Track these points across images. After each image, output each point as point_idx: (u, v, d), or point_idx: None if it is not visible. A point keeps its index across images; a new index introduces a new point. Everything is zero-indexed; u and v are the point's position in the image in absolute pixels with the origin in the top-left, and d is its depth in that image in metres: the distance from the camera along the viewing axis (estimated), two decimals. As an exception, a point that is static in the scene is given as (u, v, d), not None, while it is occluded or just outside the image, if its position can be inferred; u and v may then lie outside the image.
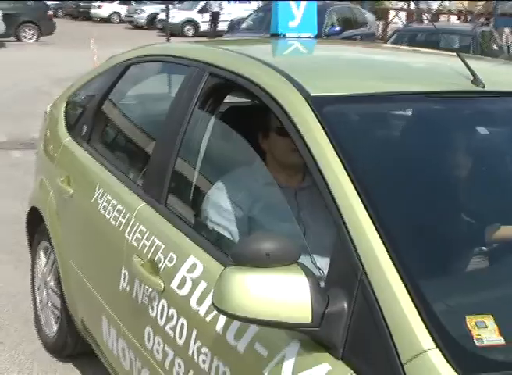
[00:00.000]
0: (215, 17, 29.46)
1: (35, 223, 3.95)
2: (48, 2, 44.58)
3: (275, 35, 3.33)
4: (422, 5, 26.35)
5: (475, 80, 2.36)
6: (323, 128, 2.03)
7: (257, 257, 1.72)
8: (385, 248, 1.72)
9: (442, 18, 25.96)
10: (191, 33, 32.14)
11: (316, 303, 1.70)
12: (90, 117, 3.49)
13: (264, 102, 2.28)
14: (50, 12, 28.55)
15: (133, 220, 2.69)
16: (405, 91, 2.31)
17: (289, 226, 2.35)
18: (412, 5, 27.32)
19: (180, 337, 2.25)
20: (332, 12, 16.12)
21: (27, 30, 26.74)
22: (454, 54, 2.53)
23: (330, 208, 1.87)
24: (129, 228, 2.69)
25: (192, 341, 2.19)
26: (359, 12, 18.46)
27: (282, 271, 1.72)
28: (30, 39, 26.46)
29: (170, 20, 28.29)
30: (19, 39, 26.25)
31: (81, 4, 48.55)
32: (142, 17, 39.08)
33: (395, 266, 1.69)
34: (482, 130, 2.47)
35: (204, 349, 2.12)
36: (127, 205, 2.79)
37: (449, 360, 1.52)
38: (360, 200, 1.83)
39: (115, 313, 2.80)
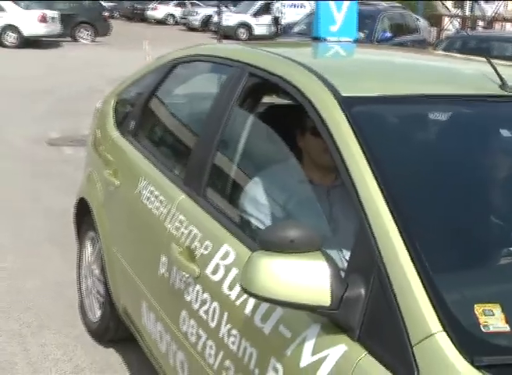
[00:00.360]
0: (276, 22, 29.61)
1: (82, 214, 4.14)
2: (104, 4, 45.45)
3: (317, 39, 3.46)
4: (477, 12, 26.15)
5: (503, 85, 2.46)
6: (352, 128, 2.15)
7: (282, 243, 1.85)
8: (403, 240, 1.84)
9: (497, 25, 25.69)
10: (245, 36, 32.36)
11: (335, 288, 1.82)
12: (138, 113, 3.67)
13: (298, 101, 2.41)
14: (106, 14, 29.09)
15: (173, 211, 2.84)
16: (434, 93, 2.42)
17: (318, 220, 2.48)
18: (467, 12, 27.14)
19: (212, 321, 2.40)
20: (384, 18, 16.15)
21: (83, 30, 27.32)
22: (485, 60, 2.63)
23: (354, 202, 1.99)
24: (169, 218, 2.85)
25: (223, 324, 2.33)
26: (411, 18, 18.42)
27: (305, 257, 1.84)
28: (86, 39, 27.01)
29: (224, 23, 28.70)
30: (75, 39, 26.84)
31: (137, 5, 49.25)
32: (196, 19, 39.53)
33: (410, 258, 1.80)
34: (507, 134, 2.56)
35: (234, 331, 2.26)
36: (169, 196, 2.95)
37: (455, 343, 1.63)
38: (382, 196, 1.94)
39: (154, 298, 2.96)
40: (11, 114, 11.32)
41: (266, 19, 31.35)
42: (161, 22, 44.57)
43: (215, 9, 33.80)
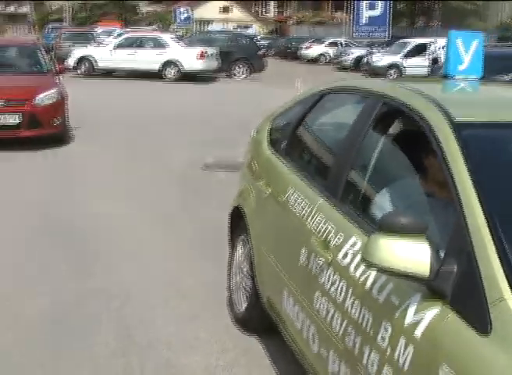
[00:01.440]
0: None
1: (236, 221, 4.85)
2: (259, 43, 47.21)
3: (446, 76, 4.00)
4: None
5: None
6: (461, 148, 2.70)
7: (395, 226, 2.43)
8: (490, 234, 2.37)
9: None
10: (395, 76, 32.80)
11: (433, 263, 2.38)
12: (288, 135, 4.35)
13: (420, 125, 2.99)
14: (261, 52, 30.45)
15: (314, 211, 3.48)
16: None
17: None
18: None
19: (340, 296, 3.00)
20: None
21: (239, 66, 28.75)
22: None
23: (456, 204, 2.54)
24: (310, 217, 3.48)
25: (348, 298, 2.93)
26: None
27: (412, 238, 2.41)
28: (241, 75, 28.39)
29: (376, 64, 29.30)
30: (231, 75, 28.29)
31: (291, 44, 50.86)
32: (348, 59, 40.37)
33: (495, 247, 2.33)
34: None
35: (356, 303, 2.85)
36: (310, 200, 3.59)
37: (521, 306, 2.15)
38: (478, 201, 2.47)
39: (294, 285, 3.59)
40: (170, 140, 12.42)
41: (417, 60, 31.66)
42: (313, 61, 45.84)
43: (367, 50, 34.57)
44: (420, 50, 31.77)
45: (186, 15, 32.23)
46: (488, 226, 2.40)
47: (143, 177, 9.56)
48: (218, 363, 4.30)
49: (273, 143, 4.57)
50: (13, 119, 11.03)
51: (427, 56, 30.73)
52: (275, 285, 3.96)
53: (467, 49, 4.00)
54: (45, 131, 11.31)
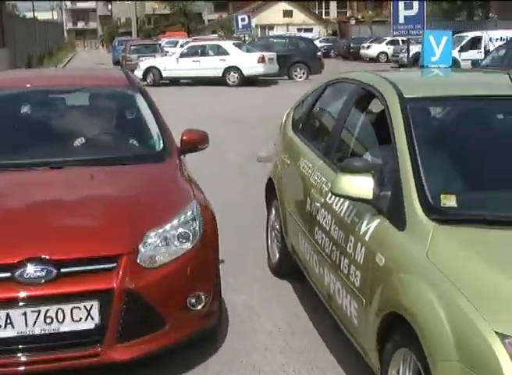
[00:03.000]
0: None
1: (269, 190, 6.08)
2: (321, 44, 48.25)
3: (422, 66, 5.15)
4: None
5: (514, 88, 4.06)
6: (402, 115, 3.86)
7: (351, 168, 3.63)
8: (412, 169, 3.53)
9: None
10: (451, 71, 33.46)
11: (376, 190, 3.57)
12: (303, 118, 5.59)
13: (381, 101, 4.17)
14: (319, 53, 31.60)
15: (314, 170, 4.69)
16: (462, 94, 4.09)
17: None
18: None
19: (328, 225, 4.20)
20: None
21: (298, 69, 29.99)
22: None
23: (393, 149, 3.72)
24: (312, 175, 4.70)
25: (332, 225, 4.14)
26: None
27: (363, 176, 3.60)
28: (301, 77, 29.60)
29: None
30: (290, 77, 29.55)
31: (352, 45, 51.73)
32: (406, 56, 41.04)
33: (413, 175, 3.49)
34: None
35: (336, 227, 4.06)
36: (313, 163, 4.81)
37: (424, 209, 3.31)
38: (407, 148, 3.64)
39: (303, 226, 4.81)
40: (231, 137, 13.74)
41: (472, 53, 32.31)
42: (374, 60, 46.69)
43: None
44: (475, 43, 32.47)
45: (245, 22, 33.56)
46: (411, 166, 3.57)
47: (209, 167, 10.88)
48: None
49: (294, 125, 5.81)
50: (78, 320, 3.82)
51: (482, 49, 31.47)
52: (294, 232, 5.17)
53: (438, 44, 5.16)
54: (163, 342, 4.11)
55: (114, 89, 5.96)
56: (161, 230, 4.09)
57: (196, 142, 5.31)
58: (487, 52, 30.03)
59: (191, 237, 4.18)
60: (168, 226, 4.13)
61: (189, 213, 4.27)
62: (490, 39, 30.34)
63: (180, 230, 4.16)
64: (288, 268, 5.73)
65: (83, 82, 6.09)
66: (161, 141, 5.21)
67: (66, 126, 5.51)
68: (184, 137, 5.26)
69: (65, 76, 7.08)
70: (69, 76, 6.77)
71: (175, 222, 4.18)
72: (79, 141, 5.22)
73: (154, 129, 5.35)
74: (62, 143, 5.21)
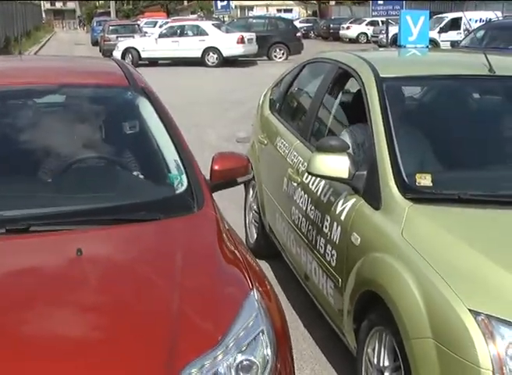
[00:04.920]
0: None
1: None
2: (301, 24, 48.15)
3: (399, 46, 5.15)
4: None
5: (491, 69, 4.05)
6: (377, 94, 3.85)
7: (327, 147, 3.61)
8: (387, 150, 3.53)
9: None
10: (430, 52, 33.53)
11: (351, 169, 3.56)
12: (280, 98, 5.56)
13: (357, 80, 4.16)
14: (299, 34, 31.50)
15: (291, 150, 4.68)
16: (438, 74, 4.08)
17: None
18: None
19: (304, 205, 4.20)
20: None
21: (278, 50, 29.90)
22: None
23: (370, 131, 3.71)
24: (289, 154, 4.68)
25: (308, 204, 4.13)
26: None
27: (338, 154, 3.59)
28: (280, 58, 29.51)
29: (409, 40, 30.06)
30: (269, 58, 29.46)
31: (331, 25, 51.61)
32: (385, 37, 41.07)
33: (389, 155, 3.49)
34: (487, 99, 4.16)
35: (311, 206, 4.06)
36: (289, 143, 4.79)
37: (399, 189, 3.32)
38: (383, 130, 3.63)
39: (280, 206, 4.80)
40: (209, 119, 13.69)
41: (452, 34, 32.36)
42: (353, 41, 46.63)
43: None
44: (454, 24, 32.52)
45: (224, 2, 33.38)
46: (387, 145, 3.56)
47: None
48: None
49: (271, 105, 5.78)
50: None
51: (462, 30, 31.53)
52: (272, 212, 5.17)
53: (415, 24, 5.16)
54: None
55: (106, 90, 3.90)
56: (207, 363, 2.35)
57: (233, 173, 3.47)
58: (467, 33, 30.14)
59: (259, 369, 2.43)
60: (219, 353, 2.38)
61: (250, 322, 2.51)
62: (470, 20, 30.38)
63: (239, 357, 2.41)
64: (266, 248, 5.72)
65: (59, 80, 3.88)
66: (184, 175, 3.33)
67: (32, 151, 3.45)
68: (216, 167, 3.41)
69: (31, 69, 4.33)
70: (40, 70, 4.24)
71: (229, 342, 2.42)
72: (50, 179, 3.36)
73: (169, 153, 3.49)
74: (27, 182, 3.33)
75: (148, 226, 3.02)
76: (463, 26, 30.64)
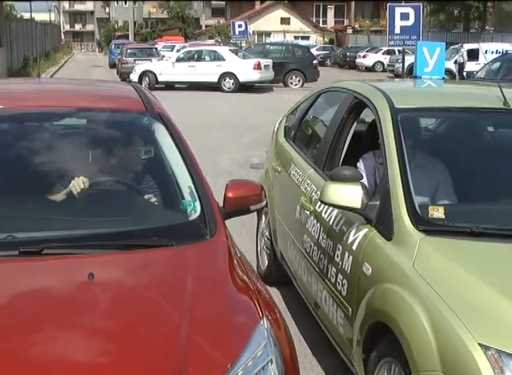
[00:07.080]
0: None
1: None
2: (317, 52, 48.38)
3: (415, 77, 5.18)
4: None
5: (505, 102, 4.06)
6: (392, 126, 3.87)
7: (340, 177, 3.63)
8: (401, 182, 3.54)
9: None
10: (446, 82, 33.57)
11: (364, 199, 3.57)
12: (295, 126, 5.59)
13: (372, 110, 4.18)
14: (315, 62, 31.65)
15: (305, 178, 4.70)
16: (452, 106, 4.10)
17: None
18: None
19: (316, 234, 4.21)
20: None
21: (294, 77, 30.06)
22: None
23: (384, 162, 3.73)
24: (302, 183, 4.70)
25: (321, 234, 4.14)
26: None
27: (351, 184, 3.61)
28: (296, 85, 29.66)
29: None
30: (285, 85, 29.61)
31: (348, 54, 51.84)
32: (401, 66, 41.21)
33: (402, 188, 3.50)
34: (501, 132, 4.17)
35: (325, 235, 4.06)
36: (303, 171, 4.82)
37: (412, 222, 3.32)
38: (397, 162, 3.65)
39: (292, 234, 4.81)
40: (224, 143, 13.76)
41: (469, 66, 32.43)
42: (370, 69, 46.78)
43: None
44: (471, 55, 32.59)
45: (242, 28, 33.64)
46: (400, 177, 3.58)
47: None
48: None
49: (286, 133, 5.81)
50: None
51: (480, 60, 31.64)
52: (283, 239, 5.18)
53: (431, 55, 5.19)
54: None
55: (122, 115, 3.94)
56: None
57: (247, 201, 3.48)
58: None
59: None
60: None
61: (259, 351, 2.51)
62: (486, 51, 30.49)
63: None
64: (277, 275, 5.72)
65: (76, 103, 3.94)
66: (198, 202, 3.34)
67: (48, 173, 3.53)
68: (230, 194, 3.43)
69: (47, 92, 4.37)
70: (57, 93, 4.29)
71: (238, 371, 2.41)
72: (63, 200, 3.37)
73: (184, 179, 3.52)
74: (41, 205, 3.37)
75: (160, 253, 3.04)
76: (481, 58, 30.76)
